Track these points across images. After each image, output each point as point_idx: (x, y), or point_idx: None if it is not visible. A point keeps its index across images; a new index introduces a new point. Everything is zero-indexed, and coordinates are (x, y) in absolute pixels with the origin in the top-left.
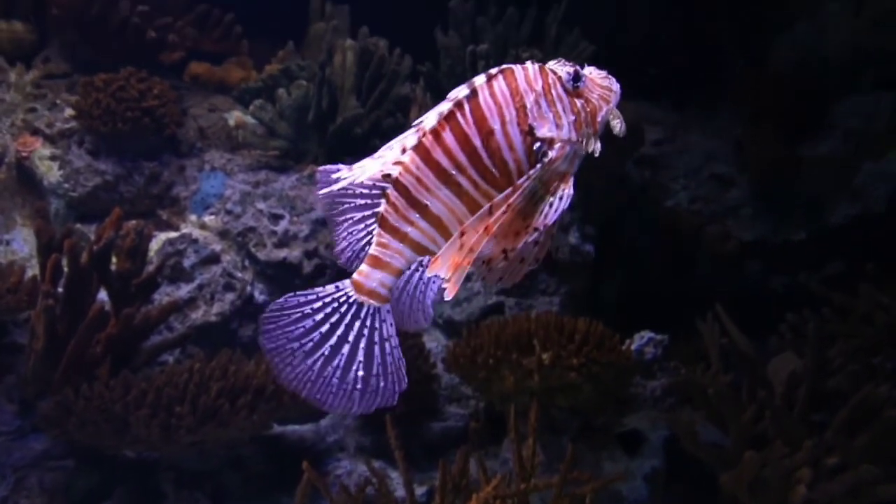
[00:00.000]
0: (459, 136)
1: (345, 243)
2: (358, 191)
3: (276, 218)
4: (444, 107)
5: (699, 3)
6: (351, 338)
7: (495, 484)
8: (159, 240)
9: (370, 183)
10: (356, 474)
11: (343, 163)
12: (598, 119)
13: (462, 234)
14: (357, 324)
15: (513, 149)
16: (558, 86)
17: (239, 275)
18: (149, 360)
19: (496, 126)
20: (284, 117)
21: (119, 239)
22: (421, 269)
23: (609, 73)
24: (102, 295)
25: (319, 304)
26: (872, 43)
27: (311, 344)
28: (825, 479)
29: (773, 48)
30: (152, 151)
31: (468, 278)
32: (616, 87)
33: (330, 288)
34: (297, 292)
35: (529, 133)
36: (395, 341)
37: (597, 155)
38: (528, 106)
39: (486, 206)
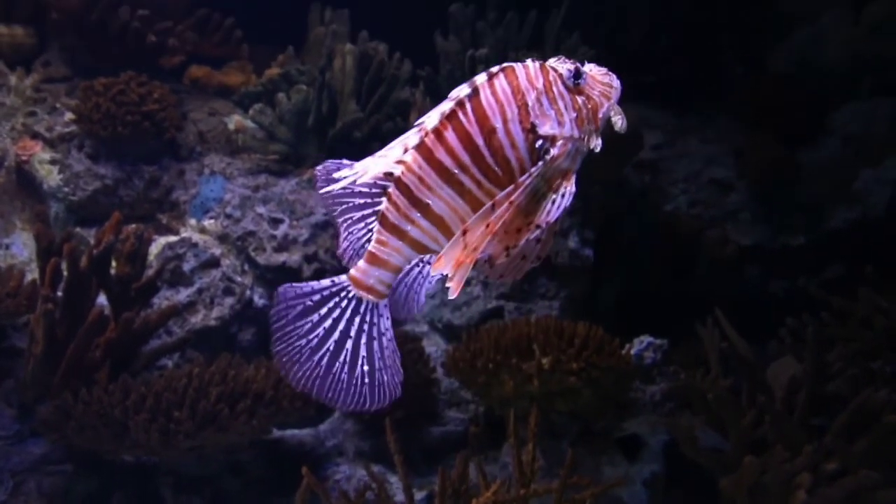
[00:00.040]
0: (462, 135)
1: (346, 243)
2: (359, 189)
3: (275, 222)
4: (446, 106)
5: (699, 10)
6: (353, 333)
7: (495, 489)
8: (159, 244)
9: (371, 181)
10: (355, 479)
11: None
12: (600, 115)
13: (465, 232)
14: (357, 319)
15: (515, 147)
16: (559, 83)
17: (238, 279)
18: (148, 365)
19: (498, 124)
20: (284, 121)
21: (119, 243)
22: (421, 264)
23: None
24: (102, 299)
25: (318, 297)
26: (871, 50)
27: (316, 340)
28: (825, 484)
29: (773, 55)
30: (152, 155)
31: (468, 282)
32: (616, 83)
33: (326, 282)
34: (293, 284)
35: (531, 131)
36: (391, 334)
37: (598, 151)
38: (530, 104)
39: (489, 203)
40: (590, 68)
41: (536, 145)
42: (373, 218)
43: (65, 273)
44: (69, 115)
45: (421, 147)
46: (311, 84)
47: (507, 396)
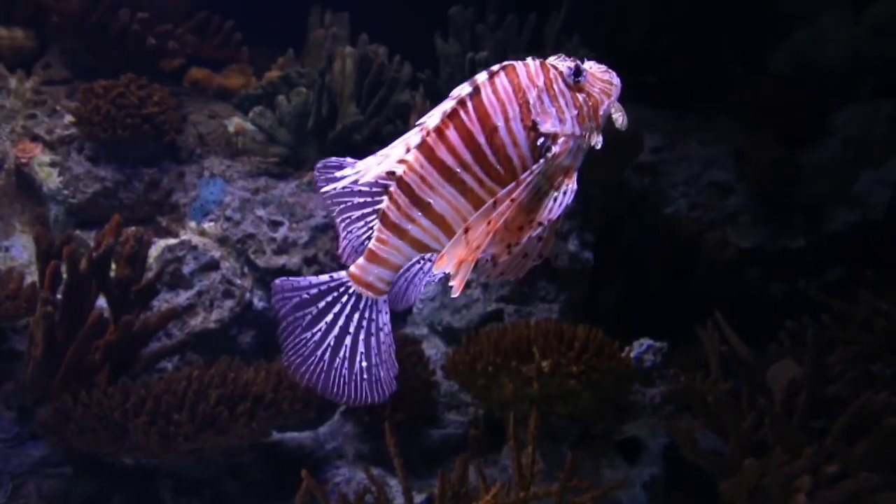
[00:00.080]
0: (463, 134)
1: (345, 241)
2: (359, 188)
3: (275, 225)
4: (448, 105)
5: (699, 10)
6: (352, 329)
7: (494, 492)
8: (158, 246)
9: (372, 180)
10: (355, 482)
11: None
12: (601, 113)
13: (467, 230)
14: (357, 315)
15: (517, 145)
16: (560, 81)
17: (238, 282)
18: (147, 367)
19: (500, 123)
20: (284, 124)
21: (118, 245)
22: (423, 262)
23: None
24: (101, 302)
25: (315, 291)
26: (871, 51)
27: (319, 334)
28: (825, 487)
29: (773, 55)
30: (152, 158)
31: (467, 285)
32: (617, 80)
33: (324, 277)
34: (289, 277)
35: (533, 129)
36: (388, 328)
37: (599, 148)
38: (531, 101)
39: (490, 201)
40: (590, 66)
41: (538, 143)
42: (373, 217)
43: (64, 276)
44: (69, 118)
45: (423, 146)
46: (310, 87)
47: (506, 399)
